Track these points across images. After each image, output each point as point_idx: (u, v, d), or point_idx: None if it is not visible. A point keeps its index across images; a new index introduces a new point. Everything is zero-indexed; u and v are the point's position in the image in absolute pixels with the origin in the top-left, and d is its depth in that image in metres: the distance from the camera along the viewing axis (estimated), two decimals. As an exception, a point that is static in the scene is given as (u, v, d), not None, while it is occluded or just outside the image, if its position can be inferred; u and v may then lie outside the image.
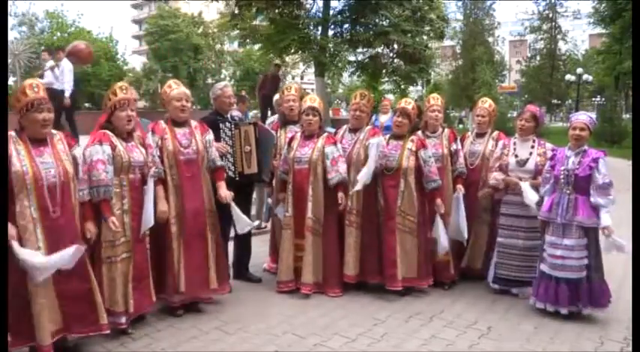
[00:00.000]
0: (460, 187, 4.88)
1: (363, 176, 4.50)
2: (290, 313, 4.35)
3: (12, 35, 32.42)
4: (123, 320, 3.81)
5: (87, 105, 33.53)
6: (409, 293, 4.72)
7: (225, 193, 4.34)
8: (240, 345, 3.78)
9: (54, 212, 3.33)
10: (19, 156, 3.27)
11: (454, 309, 4.45)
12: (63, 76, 9.87)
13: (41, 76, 9.72)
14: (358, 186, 4.51)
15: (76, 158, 3.58)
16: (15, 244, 3.17)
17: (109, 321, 3.68)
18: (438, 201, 4.68)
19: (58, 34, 35.07)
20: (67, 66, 9.88)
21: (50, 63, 10.10)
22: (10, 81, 29.15)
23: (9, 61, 28.53)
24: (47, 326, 3.31)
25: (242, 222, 4.50)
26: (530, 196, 4.40)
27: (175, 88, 4.28)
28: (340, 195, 4.57)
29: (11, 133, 3.34)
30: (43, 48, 12.22)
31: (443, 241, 4.67)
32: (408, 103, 4.95)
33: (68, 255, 3.26)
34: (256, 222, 4.49)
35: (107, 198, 3.65)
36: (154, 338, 3.89)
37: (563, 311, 4.17)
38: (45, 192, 3.30)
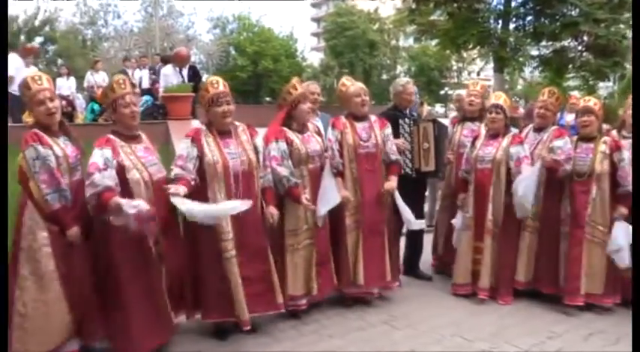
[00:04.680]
0: None
1: (521, 185, 4.23)
2: (458, 315, 4.26)
3: (207, 37, 35.80)
4: (303, 301, 4.06)
5: (268, 99, 35.80)
6: (590, 309, 4.32)
7: (390, 185, 4.32)
8: (406, 342, 3.79)
9: (240, 198, 3.60)
10: (209, 148, 3.60)
11: (646, 332, 3.99)
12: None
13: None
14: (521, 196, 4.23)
15: (257, 146, 3.85)
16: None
17: (290, 304, 3.94)
18: (623, 209, 4.21)
19: (245, 34, 37.88)
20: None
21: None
22: (204, 78, 32.21)
23: (204, 60, 31.64)
24: (244, 300, 3.61)
25: (409, 215, 4.42)
26: None
27: (351, 84, 4.41)
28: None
29: (202, 127, 3.69)
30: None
31: (623, 253, 4.16)
32: (588, 101, 4.54)
33: (231, 206, 3.47)
34: (423, 221, 4.47)
35: (292, 185, 3.87)
36: (323, 325, 4.06)
37: None
38: (231, 180, 3.60)
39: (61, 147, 3.29)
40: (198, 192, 3.54)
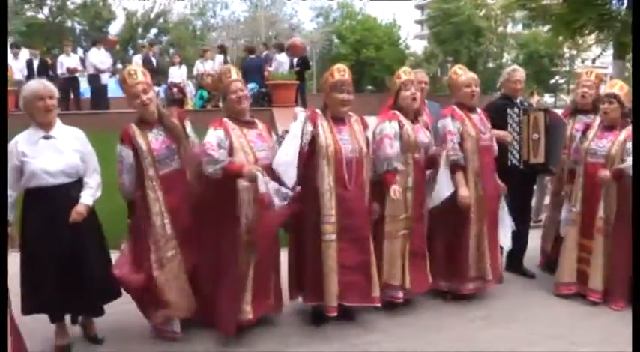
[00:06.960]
0: None
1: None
2: (562, 316, 4.05)
3: (310, 26, 36.39)
4: (400, 294, 3.98)
5: (369, 87, 35.74)
6: None
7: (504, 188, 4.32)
8: (504, 341, 3.65)
9: (349, 183, 3.65)
10: (323, 130, 3.67)
11: None
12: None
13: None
14: None
15: (369, 138, 3.87)
16: None
17: (386, 294, 3.91)
18: None
19: (348, 22, 37.95)
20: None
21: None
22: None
23: (308, 48, 32.14)
24: (333, 289, 3.64)
25: (505, 224, 4.33)
26: None
27: (462, 73, 4.29)
28: None
29: (317, 111, 3.76)
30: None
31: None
32: None
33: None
34: (508, 237, 4.37)
35: (390, 169, 3.82)
36: (417, 317, 4.01)
37: None
38: (343, 166, 3.64)
39: (147, 141, 3.51)
40: (306, 170, 3.64)
